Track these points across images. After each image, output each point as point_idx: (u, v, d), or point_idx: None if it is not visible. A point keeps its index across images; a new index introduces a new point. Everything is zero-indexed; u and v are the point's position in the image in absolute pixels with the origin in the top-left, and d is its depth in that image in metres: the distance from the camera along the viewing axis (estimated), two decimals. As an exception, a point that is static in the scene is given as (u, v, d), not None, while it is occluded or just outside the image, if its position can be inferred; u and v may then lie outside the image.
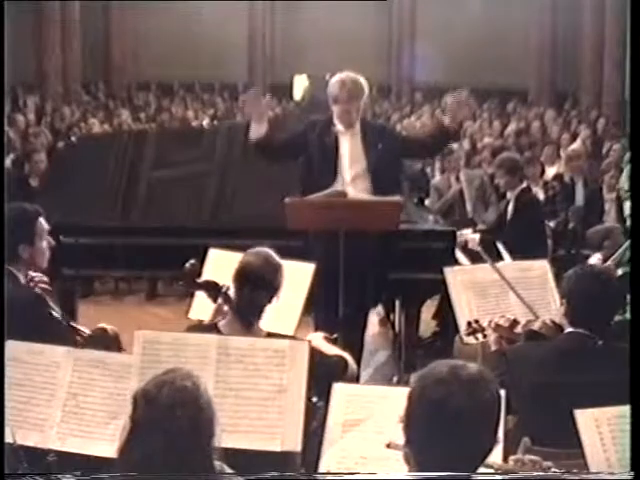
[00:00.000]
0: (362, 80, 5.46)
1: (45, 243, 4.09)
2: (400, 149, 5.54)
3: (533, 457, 2.72)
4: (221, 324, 3.78)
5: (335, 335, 4.13)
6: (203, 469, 2.45)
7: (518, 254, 5.67)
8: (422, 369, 2.35)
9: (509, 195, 7.00)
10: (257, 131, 5.35)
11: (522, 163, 7.41)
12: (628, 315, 3.87)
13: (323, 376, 3.50)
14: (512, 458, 2.71)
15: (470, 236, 6.84)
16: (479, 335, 4.16)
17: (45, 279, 4.09)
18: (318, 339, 3.90)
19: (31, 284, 4.03)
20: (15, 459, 3.25)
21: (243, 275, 3.75)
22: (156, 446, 2.40)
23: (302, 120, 5.80)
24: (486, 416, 2.28)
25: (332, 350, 3.83)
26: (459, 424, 2.22)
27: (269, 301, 3.75)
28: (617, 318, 3.85)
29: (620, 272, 5.10)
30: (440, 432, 2.23)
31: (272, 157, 5.50)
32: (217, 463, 2.54)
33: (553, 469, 2.69)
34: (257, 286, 3.71)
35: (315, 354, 3.52)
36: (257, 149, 5.43)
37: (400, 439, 2.35)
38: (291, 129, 5.60)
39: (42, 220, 4.09)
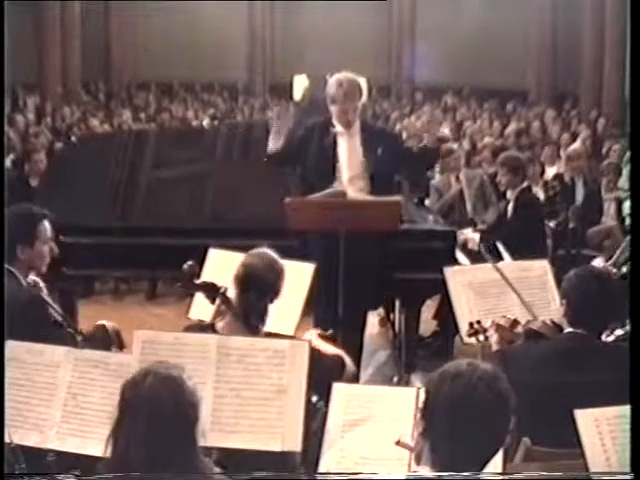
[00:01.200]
0: (360, 80, 5.46)
1: (46, 247, 4.07)
2: (398, 156, 5.56)
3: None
4: (219, 325, 3.77)
5: (330, 331, 4.12)
6: (186, 453, 2.49)
7: (518, 254, 5.66)
8: (439, 368, 2.40)
9: (509, 194, 7.00)
10: (276, 143, 5.37)
11: (524, 162, 7.40)
12: (628, 328, 3.87)
13: (321, 377, 3.49)
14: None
15: (470, 235, 6.84)
16: (481, 336, 4.16)
17: (40, 285, 4.07)
18: (314, 337, 3.89)
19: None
20: (13, 459, 3.25)
21: (245, 279, 3.74)
22: (140, 429, 2.46)
23: (302, 123, 5.78)
24: (502, 411, 2.33)
25: (329, 349, 3.82)
26: (479, 415, 2.29)
27: (271, 302, 3.76)
28: (619, 332, 3.86)
29: (621, 273, 5.10)
30: (459, 424, 2.28)
31: (282, 166, 5.52)
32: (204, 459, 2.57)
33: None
34: (260, 291, 3.71)
35: (313, 354, 3.52)
36: (271, 160, 5.44)
37: (404, 437, 2.37)
38: (293, 136, 5.60)
39: (46, 224, 4.07)
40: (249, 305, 3.72)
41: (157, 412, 2.47)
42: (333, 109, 5.41)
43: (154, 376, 2.53)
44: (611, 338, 3.88)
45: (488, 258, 4.82)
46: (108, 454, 2.54)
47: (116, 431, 2.52)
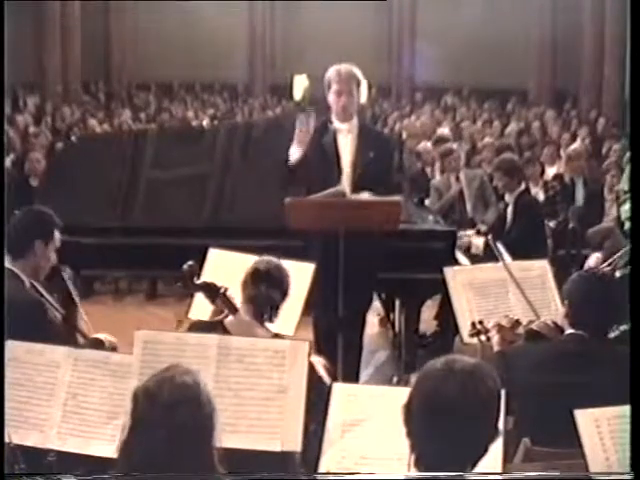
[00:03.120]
0: (358, 71, 5.44)
1: (54, 255, 4.09)
2: (389, 162, 5.53)
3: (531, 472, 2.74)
4: (227, 321, 3.82)
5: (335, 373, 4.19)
6: (204, 465, 2.45)
7: (519, 257, 5.65)
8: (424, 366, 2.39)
9: (507, 198, 6.94)
10: (297, 153, 5.31)
11: (521, 164, 7.34)
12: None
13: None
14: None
15: (474, 241, 6.78)
16: (482, 336, 4.16)
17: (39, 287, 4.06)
18: (317, 364, 3.92)
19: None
20: (13, 459, 3.25)
21: (258, 274, 3.87)
22: (157, 443, 2.40)
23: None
24: (481, 409, 2.30)
25: (326, 379, 3.85)
26: (453, 416, 2.26)
27: (281, 298, 3.87)
28: (623, 328, 3.86)
29: (619, 274, 5.09)
30: (436, 424, 2.27)
31: (300, 179, 5.44)
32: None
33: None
34: (270, 283, 3.85)
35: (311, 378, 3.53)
36: (292, 173, 5.37)
37: (401, 435, 2.37)
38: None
39: (57, 233, 4.10)
40: (261, 296, 3.83)
41: (174, 425, 2.40)
42: (330, 96, 5.39)
43: (170, 386, 2.45)
44: (615, 333, 3.87)
45: (500, 257, 4.83)
46: (120, 461, 2.49)
47: (129, 440, 2.46)
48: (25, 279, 3.97)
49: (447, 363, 2.33)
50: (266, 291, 3.83)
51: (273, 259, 3.97)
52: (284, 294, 3.91)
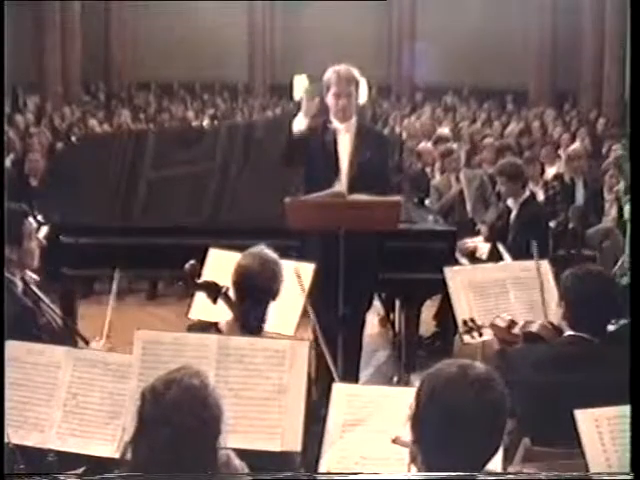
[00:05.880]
0: (356, 71, 5.44)
1: (34, 243, 4.00)
2: (385, 163, 5.50)
3: (531, 471, 2.73)
4: (222, 324, 3.79)
5: None
6: (208, 466, 2.45)
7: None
8: (430, 368, 2.36)
9: (511, 203, 6.72)
10: (302, 124, 5.29)
11: (524, 168, 7.13)
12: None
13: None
14: (511, 470, 2.72)
15: (480, 247, 6.70)
16: (475, 334, 4.16)
17: (34, 287, 3.99)
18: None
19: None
20: (13, 459, 3.25)
21: (242, 286, 3.76)
22: (162, 443, 2.40)
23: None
24: (494, 416, 2.29)
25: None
26: (467, 424, 2.24)
27: (273, 299, 3.78)
28: (622, 322, 3.84)
29: (622, 284, 5.08)
30: (448, 432, 2.24)
31: (296, 158, 5.47)
32: (223, 453, 2.54)
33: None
34: (256, 297, 3.74)
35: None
36: (290, 146, 5.37)
37: (406, 436, 2.36)
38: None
39: (30, 220, 4.01)
40: (247, 311, 3.75)
41: (179, 426, 2.41)
42: (329, 97, 5.39)
43: (178, 386, 2.45)
44: (615, 327, 3.83)
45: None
46: (124, 461, 2.50)
47: (136, 440, 2.47)
48: (15, 279, 3.91)
49: (461, 370, 2.29)
50: (251, 304, 3.73)
51: (258, 255, 3.81)
52: (274, 294, 3.78)
